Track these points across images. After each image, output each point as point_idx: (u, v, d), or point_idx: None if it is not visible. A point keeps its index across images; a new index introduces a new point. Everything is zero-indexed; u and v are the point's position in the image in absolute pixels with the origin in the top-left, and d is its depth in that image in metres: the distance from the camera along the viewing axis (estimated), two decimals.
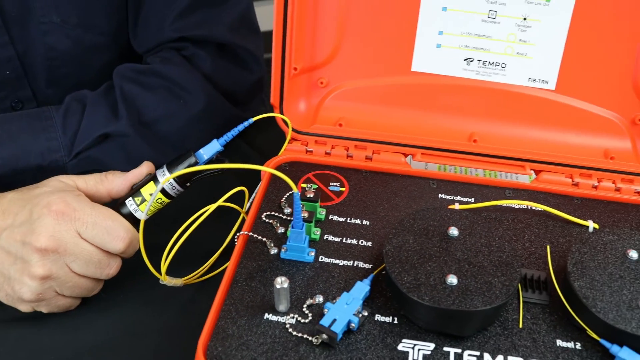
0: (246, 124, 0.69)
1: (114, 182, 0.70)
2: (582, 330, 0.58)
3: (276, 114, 0.76)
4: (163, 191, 0.68)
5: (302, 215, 0.63)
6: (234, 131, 0.69)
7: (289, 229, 0.63)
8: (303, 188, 0.68)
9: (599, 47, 0.75)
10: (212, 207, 0.62)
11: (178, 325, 0.67)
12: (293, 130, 0.77)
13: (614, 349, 0.56)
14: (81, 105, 0.82)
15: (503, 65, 0.77)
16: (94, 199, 0.69)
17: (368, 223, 0.68)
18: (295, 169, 0.75)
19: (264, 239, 0.65)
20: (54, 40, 0.84)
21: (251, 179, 0.74)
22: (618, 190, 0.75)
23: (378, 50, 0.78)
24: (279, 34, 0.73)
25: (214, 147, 0.69)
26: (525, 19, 0.75)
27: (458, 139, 0.78)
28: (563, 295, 0.60)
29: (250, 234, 0.66)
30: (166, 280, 0.63)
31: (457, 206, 0.70)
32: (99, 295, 0.68)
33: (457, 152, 0.77)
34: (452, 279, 0.57)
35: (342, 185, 0.73)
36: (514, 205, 0.72)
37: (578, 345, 0.57)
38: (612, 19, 0.74)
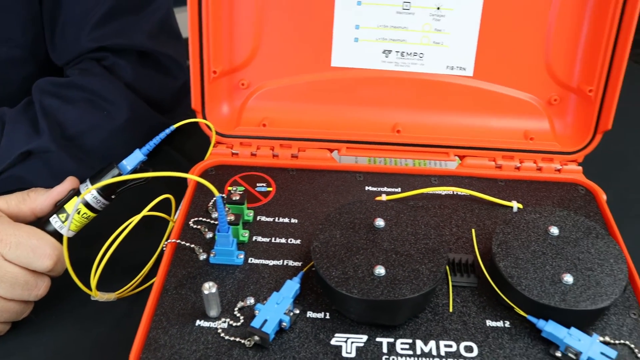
0: (168, 131, 0.68)
1: (37, 200, 0.68)
2: (510, 309, 0.59)
3: (199, 119, 0.75)
4: (88, 205, 0.67)
5: (229, 218, 0.63)
6: (156, 139, 0.68)
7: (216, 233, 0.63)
8: (229, 191, 0.67)
9: (511, 32, 0.77)
10: (136, 218, 0.61)
11: (113, 340, 0.66)
12: (217, 133, 0.77)
13: (540, 323, 0.57)
14: (0, 124, 0.80)
15: (421, 55, 0.78)
16: (17, 219, 0.67)
17: (296, 221, 0.69)
18: (222, 172, 0.75)
19: (193, 246, 0.65)
20: None
21: (180, 186, 0.74)
22: (539, 169, 0.77)
23: (297, 48, 0.78)
24: (195, 39, 0.73)
25: (136, 157, 0.68)
26: (438, 8, 0.77)
27: (382, 131, 0.79)
28: (490, 276, 0.61)
29: (178, 241, 0.65)
30: (97, 295, 0.62)
31: (383, 197, 0.71)
32: (30, 318, 0.67)
33: (381, 143, 0.78)
34: (380, 270, 0.57)
35: (269, 186, 0.73)
36: (440, 192, 0.73)
37: (507, 324, 0.59)
38: (522, 3, 0.76)
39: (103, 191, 0.67)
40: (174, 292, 0.60)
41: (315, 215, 0.69)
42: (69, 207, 0.67)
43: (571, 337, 0.56)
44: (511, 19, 0.76)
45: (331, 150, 0.77)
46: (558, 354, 0.56)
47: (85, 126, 0.83)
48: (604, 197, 0.74)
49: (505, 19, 0.77)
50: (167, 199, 0.66)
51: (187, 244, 0.65)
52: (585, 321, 0.58)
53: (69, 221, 0.63)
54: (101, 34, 0.86)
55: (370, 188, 0.74)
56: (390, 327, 0.58)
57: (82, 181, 0.69)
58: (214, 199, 0.70)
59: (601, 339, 0.57)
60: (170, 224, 0.70)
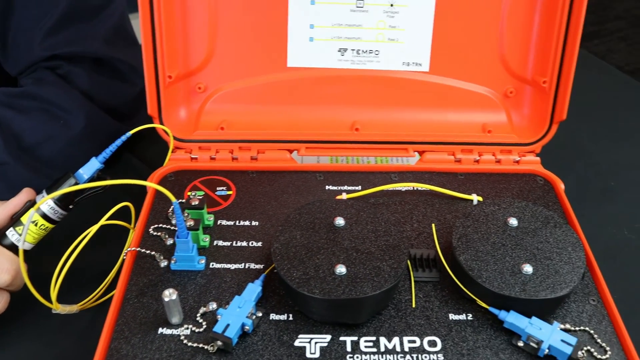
0: (124, 138, 0.68)
1: None
2: (472, 302, 0.60)
3: (155, 125, 0.74)
4: (45, 216, 0.66)
5: (188, 223, 0.63)
6: (112, 147, 0.68)
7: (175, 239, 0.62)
8: (188, 196, 0.67)
9: (465, 26, 0.78)
10: (94, 228, 0.60)
11: (76, 353, 0.65)
12: (175, 138, 0.76)
13: (502, 314, 0.58)
14: None
15: (376, 53, 0.79)
16: None
17: (257, 223, 0.68)
18: (182, 177, 0.74)
19: (153, 253, 0.64)
20: None
21: (141, 194, 0.73)
22: (498, 161, 0.78)
23: (252, 49, 0.78)
24: (148, 44, 0.72)
25: (93, 165, 0.67)
26: (392, 5, 0.77)
27: (340, 130, 0.79)
28: (451, 270, 0.61)
29: (139, 249, 0.64)
30: (59, 308, 0.61)
31: (344, 196, 0.71)
32: None
33: (340, 142, 0.78)
34: (341, 269, 0.57)
35: (229, 189, 0.73)
36: (400, 188, 0.74)
37: (470, 316, 0.59)
38: None
39: (60, 201, 0.66)
40: (136, 301, 0.60)
41: (277, 217, 0.69)
42: (26, 219, 0.66)
43: (532, 326, 0.57)
44: (464, 13, 0.77)
45: (290, 151, 0.77)
46: (520, 343, 0.57)
47: (41, 136, 0.81)
48: (562, 186, 0.75)
49: (458, 14, 0.77)
50: (127, 207, 0.65)
51: (148, 252, 0.64)
52: (546, 310, 0.59)
53: (24, 233, 0.62)
54: (54, 42, 0.84)
55: (330, 187, 0.74)
56: (353, 325, 0.58)
57: (39, 192, 0.68)
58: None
59: (562, 326, 0.58)
60: (131, 232, 0.69)
